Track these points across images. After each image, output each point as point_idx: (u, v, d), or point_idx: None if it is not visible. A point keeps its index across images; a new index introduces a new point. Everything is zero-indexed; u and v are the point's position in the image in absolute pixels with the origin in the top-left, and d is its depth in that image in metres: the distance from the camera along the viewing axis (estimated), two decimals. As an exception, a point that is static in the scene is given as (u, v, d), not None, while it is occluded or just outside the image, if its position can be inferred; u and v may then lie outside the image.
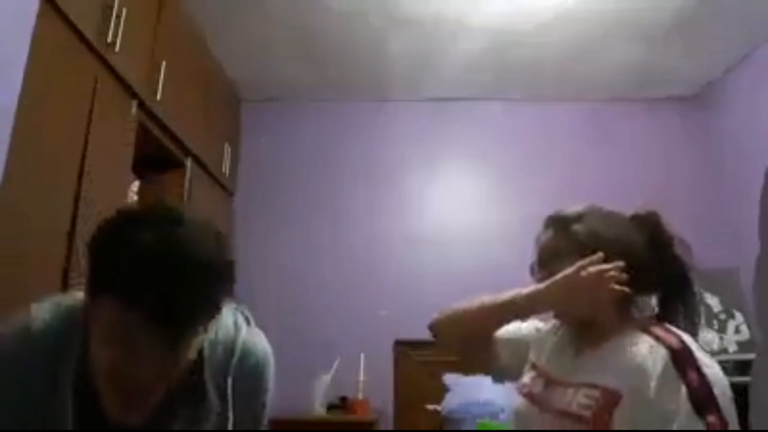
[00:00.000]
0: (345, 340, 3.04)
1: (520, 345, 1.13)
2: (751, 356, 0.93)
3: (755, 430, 0.60)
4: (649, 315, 0.98)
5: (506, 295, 1.03)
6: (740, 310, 2.99)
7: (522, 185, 3.37)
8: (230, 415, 0.84)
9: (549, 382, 0.99)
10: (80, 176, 1.62)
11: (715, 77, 3.35)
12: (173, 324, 0.67)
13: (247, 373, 0.88)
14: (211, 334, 0.84)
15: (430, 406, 2.67)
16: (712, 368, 0.84)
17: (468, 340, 1.12)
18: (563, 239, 1.01)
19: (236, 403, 0.85)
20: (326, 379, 2.83)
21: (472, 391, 2.42)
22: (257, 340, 0.92)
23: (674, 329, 0.91)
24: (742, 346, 2.91)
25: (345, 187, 3.43)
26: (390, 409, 3.01)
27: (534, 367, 1.05)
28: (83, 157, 1.64)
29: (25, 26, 1.42)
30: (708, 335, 2.96)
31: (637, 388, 0.83)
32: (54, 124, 1.55)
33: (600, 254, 0.95)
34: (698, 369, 0.82)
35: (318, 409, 2.77)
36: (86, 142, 1.65)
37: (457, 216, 3.31)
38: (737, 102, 3.21)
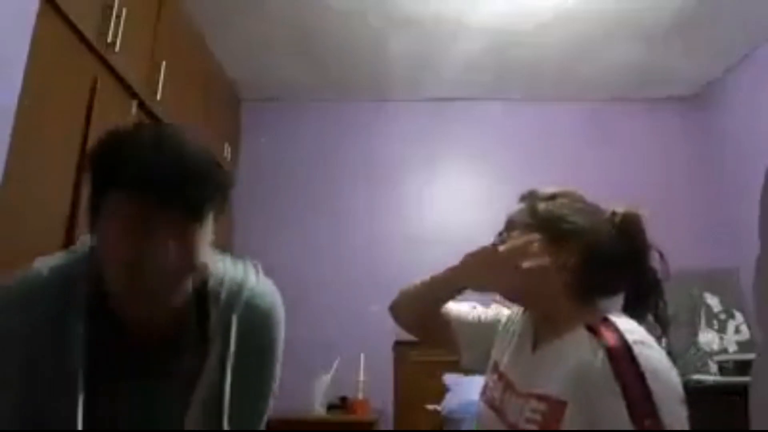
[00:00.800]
0: (345, 340, 3.04)
1: (481, 341, 1.11)
2: (751, 356, 0.93)
3: (755, 430, 0.60)
4: (602, 311, 0.92)
5: (444, 269, 1.04)
6: (740, 310, 2.99)
7: (522, 185, 3.32)
8: (230, 353, 0.81)
9: (506, 387, 0.97)
10: (80, 176, 1.62)
11: (715, 77, 3.35)
12: (183, 206, 0.71)
13: (254, 315, 0.86)
14: (218, 271, 0.85)
15: (430, 406, 2.67)
16: (656, 366, 0.78)
17: (419, 317, 1.14)
18: (528, 215, 0.99)
19: (241, 345, 0.83)
20: (326, 379, 2.83)
21: (472, 391, 2.42)
22: (267, 286, 0.92)
23: (617, 321, 0.85)
24: (742, 346, 2.91)
25: (345, 187, 3.43)
26: (390, 409, 3.01)
27: (495, 368, 1.03)
28: (83, 157, 1.64)
29: (25, 26, 1.41)
30: (708, 335, 2.96)
31: (580, 395, 0.80)
32: (54, 124, 1.55)
33: (535, 235, 0.93)
34: (636, 368, 0.77)
35: (318, 409, 2.77)
36: (86, 142, 1.65)
37: (457, 216, 3.31)
38: (737, 102, 3.21)
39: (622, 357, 0.78)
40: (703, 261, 3.03)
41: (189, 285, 0.79)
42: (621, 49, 3.04)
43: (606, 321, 0.86)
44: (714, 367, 2.76)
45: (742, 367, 2.50)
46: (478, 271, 0.97)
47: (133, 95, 1.98)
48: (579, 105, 3.54)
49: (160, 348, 0.80)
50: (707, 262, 3.05)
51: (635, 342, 0.80)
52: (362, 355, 2.96)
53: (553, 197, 1.00)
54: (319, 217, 3.36)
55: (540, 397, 0.86)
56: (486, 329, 1.12)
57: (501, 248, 0.93)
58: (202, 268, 0.79)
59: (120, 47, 1.81)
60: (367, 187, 3.43)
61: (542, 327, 0.97)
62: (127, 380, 0.79)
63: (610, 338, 0.81)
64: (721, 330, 2.97)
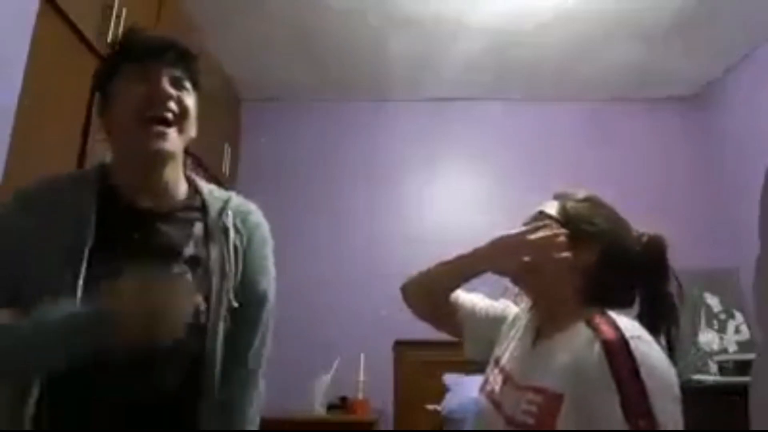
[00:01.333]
0: (345, 340, 3.04)
1: (485, 334, 1.12)
2: (751, 356, 0.93)
3: (755, 430, 0.60)
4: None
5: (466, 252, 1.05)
6: (740, 310, 2.99)
7: (522, 185, 3.36)
8: (232, 242, 0.94)
9: (505, 379, 0.97)
10: (80, 176, 1.62)
11: (715, 77, 3.35)
12: (179, 62, 0.92)
13: (246, 213, 1.01)
14: (202, 185, 1.01)
15: (430, 406, 2.67)
16: (652, 363, 0.77)
17: (430, 301, 1.14)
18: (557, 210, 1.01)
19: (241, 236, 0.96)
20: (326, 379, 2.83)
21: (472, 391, 2.41)
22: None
23: (615, 317, 0.86)
24: (742, 346, 2.91)
25: (345, 187, 3.43)
26: (390, 409, 3.01)
27: (496, 363, 1.04)
28: (83, 158, 1.64)
29: (25, 26, 1.42)
30: (708, 335, 2.96)
31: (577, 389, 0.80)
32: (54, 124, 1.55)
33: (563, 229, 0.95)
34: (632, 364, 0.76)
35: (318, 409, 2.77)
36: (86, 142, 1.65)
37: (457, 216, 3.31)
38: (737, 102, 3.21)
39: (618, 351, 0.78)
40: (703, 261, 3.03)
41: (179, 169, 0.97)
42: (621, 49, 3.04)
43: (605, 315, 0.87)
44: (714, 367, 2.77)
45: (742, 367, 2.50)
46: (504, 254, 0.98)
47: (133, 95, 1.98)
48: (579, 105, 3.54)
49: (166, 235, 0.90)
50: (707, 262, 3.05)
51: (632, 337, 0.80)
52: (362, 355, 2.96)
53: (584, 200, 1.02)
54: (319, 217, 3.36)
55: (537, 390, 0.86)
56: (492, 323, 1.12)
57: (531, 236, 0.95)
58: (190, 138, 0.95)
59: (120, 47, 1.81)
60: (367, 187, 3.43)
61: (546, 324, 0.98)
62: (133, 262, 0.83)
63: (607, 332, 0.82)
64: (721, 330, 2.97)
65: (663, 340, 0.92)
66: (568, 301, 0.95)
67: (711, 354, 2.87)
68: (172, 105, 0.89)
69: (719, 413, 2.21)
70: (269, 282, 0.99)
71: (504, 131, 3.54)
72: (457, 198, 3.40)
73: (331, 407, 2.82)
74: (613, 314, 0.87)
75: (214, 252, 0.91)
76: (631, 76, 3.31)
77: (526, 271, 0.98)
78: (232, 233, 0.94)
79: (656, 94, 3.52)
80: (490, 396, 0.99)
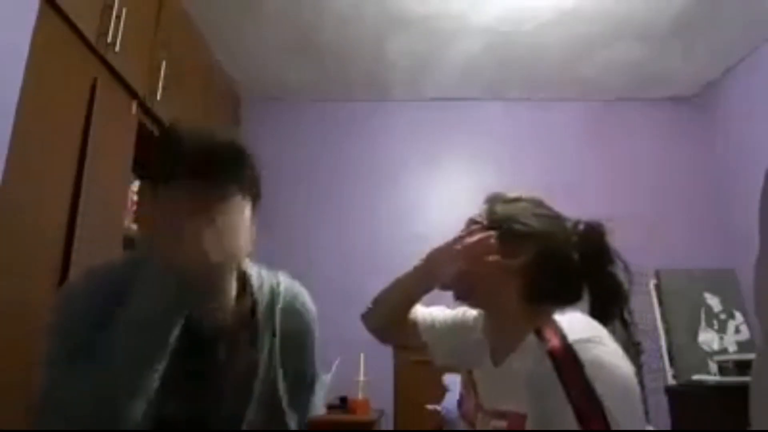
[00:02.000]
0: (345, 339, 3.04)
1: (448, 342, 1.11)
2: (751, 356, 0.93)
3: (755, 430, 0.60)
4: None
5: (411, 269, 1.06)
6: (740, 310, 2.99)
7: (522, 185, 3.35)
8: (277, 344, 0.94)
9: (476, 403, 0.98)
10: (80, 176, 1.62)
11: (715, 77, 3.35)
12: (220, 184, 0.82)
13: (293, 306, 1.02)
14: (254, 279, 0.98)
15: (430, 406, 2.66)
16: (600, 363, 0.76)
17: (392, 322, 1.16)
18: (486, 215, 1.00)
19: (286, 337, 0.97)
20: (326, 379, 2.83)
21: (472, 391, 2.42)
22: (297, 285, 1.09)
23: (564, 321, 0.85)
24: (742, 346, 2.91)
25: (345, 187, 3.44)
26: (390, 409, 3.01)
27: (470, 376, 1.03)
28: (83, 157, 1.64)
29: (25, 26, 1.42)
30: (708, 335, 2.96)
31: (537, 406, 0.80)
32: (54, 124, 1.55)
33: (491, 233, 0.94)
34: (579, 370, 0.76)
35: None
36: (86, 142, 1.65)
37: (457, 216, 3.29)
38: (737, 102, 3.21)
39: (564, 359, 0.78)
40: (703, 261, 3.03)
41: (234, 277, 0.91)
42: (621, 49, 3.04)
43: (552, 322, 0.85)
44: (714, 367, 2.77)
45: (742, 367, 2.50)
46: (439, 267, 0.99)
47: (133, 95, 1.98)
48: (579, 105, 3.55)
49: (214, 337, 0.89)
50: (707, 262, 3.05)
51: (578, 341, 0.79)
52: (362, 355, 2.96)
53: (514, 200, 1.01)
54: (319, 216, 3.36)
55: (501, 414, 0.87)
56: (453, 331, 1.12)
57: (460, 244, 0.96)
58: (244, 253, 0.89)
59: (120, 47, 1.81)
60: (367, 187, 3.43)
61: (499, 341, 0.96)
62: (183, 366, 0.83)
63: (552, 341, 0.81)
64: (721, 330, 2.97)
65: (618, 324, 0.91)
66: (513, 308, 0.92)
67: (711, 354, 2.87)
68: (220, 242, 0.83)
69: (719, 413, 2.21)
70: (314, 370, 1.07)
71: (504, 131, 3.54)
72: (457, 198, 3.40)
73: (331, 407, 2.82)
74: (561, 317, 0.86)
75: (261, 350, 0.93)
76: (631, 76, 3.31)
77: (463, 281, 0.97)
78: (278, 332, 0.96)
79: (656, 94, 3.52)
80: (467, 416, 1.01)
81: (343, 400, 2.87)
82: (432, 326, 1.14)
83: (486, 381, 0.97)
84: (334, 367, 2.87)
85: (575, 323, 0.84)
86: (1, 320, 1.31)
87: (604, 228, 0.95)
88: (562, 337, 0.81)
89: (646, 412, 2.76)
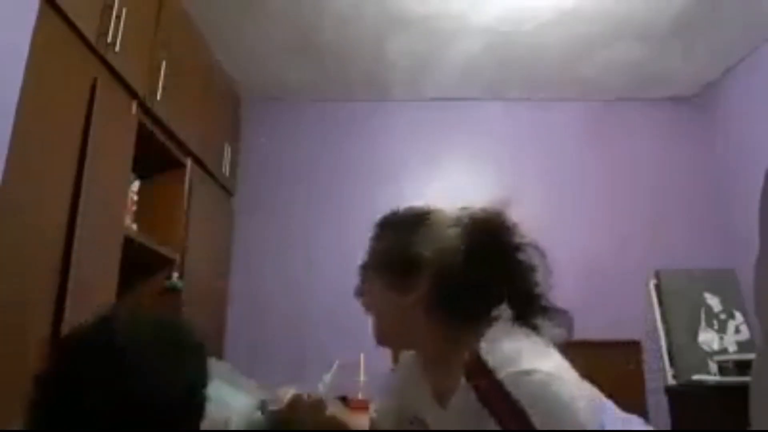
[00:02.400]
0: (345, 340, 3.04)
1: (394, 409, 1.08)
2: (751, 356, 0.92)
3: (755, 430, 0.60)
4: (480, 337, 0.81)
5: None
6: (740, 310, 2.99)
7: (521, 185, 3.37)
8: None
9: None
10: (80, 176, 1.62)
11: (715, 77, 3.35)
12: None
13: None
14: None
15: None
16: (531, 391, 0.72)
17: None
18: (369, 257, 0.98)
19: None
20: (326, 379, 2.83)
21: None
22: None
23: (486, 351, 0.78)
24: (742, 346, 2.91)
25: (345, 187, 3.44)
26: (390, 409, 3.01)
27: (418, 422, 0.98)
28: (83, 157, 1.64)
29: (25, 26, 1.42)
30: (708, 335, 2.96)
31: None
32: (54, 124, 1.55)
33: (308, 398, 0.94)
34: (511, 405, 0.71)
35: (318, 409, 2.77)
36: (86, 143, 1.65)
37: (457, 216, 3.30)
38: (737, 102, 3.21)
39: (494, 398, 0.74)
40: (703, 261, 3.03)
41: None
42: (621, 49, 3.04)
43: (475, 357, 0.78)
44: (714, 367, 2.76)
45: (742, 367, 2.50)
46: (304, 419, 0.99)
47: (133, 95, 1.98)
48: (579, 105, 3.54)
49: None
50: (707, 262, 3.05)
51: (506, 375, 0.74)
52: (362, 356, 2.95)
53: (399, 223, 0.96)
54: (319, 217, 3.36)
55: None
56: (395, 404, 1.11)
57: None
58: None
59: (120, 47, 1.81)
60: (367, 187, 3.43)
61: (434, 375, 0.91)
62: None
63: (478, 380, 0.76)
64: (721, 330, 2.97)
65: (541, 313, 0.85)
66: (432, 339, 0.87)
67: (711, 354, 2.87)
68: None
69: (719, 413, 2.21)
70: None
71: (504, 131, 3.53)
72: (457, 198, 3.39)
73: (330, 407, 2.81)
74: (488, 345, 0.79)
75: None
76: (631, 76, 3.31)
77: (375, 329, 0.95)
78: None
79: (656, 94, 3.52)
80: None
81: (343, 400, 2.86)
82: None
83: (438, 425, 0.91)
84: (334, 368, 2.87)
85: (506, 350, 0.77)
86: (1, 320, 1.31)
87: (498, 216, 0.90)
88: (487, 372, 0.75)
89: (646, 412, 2.76)
